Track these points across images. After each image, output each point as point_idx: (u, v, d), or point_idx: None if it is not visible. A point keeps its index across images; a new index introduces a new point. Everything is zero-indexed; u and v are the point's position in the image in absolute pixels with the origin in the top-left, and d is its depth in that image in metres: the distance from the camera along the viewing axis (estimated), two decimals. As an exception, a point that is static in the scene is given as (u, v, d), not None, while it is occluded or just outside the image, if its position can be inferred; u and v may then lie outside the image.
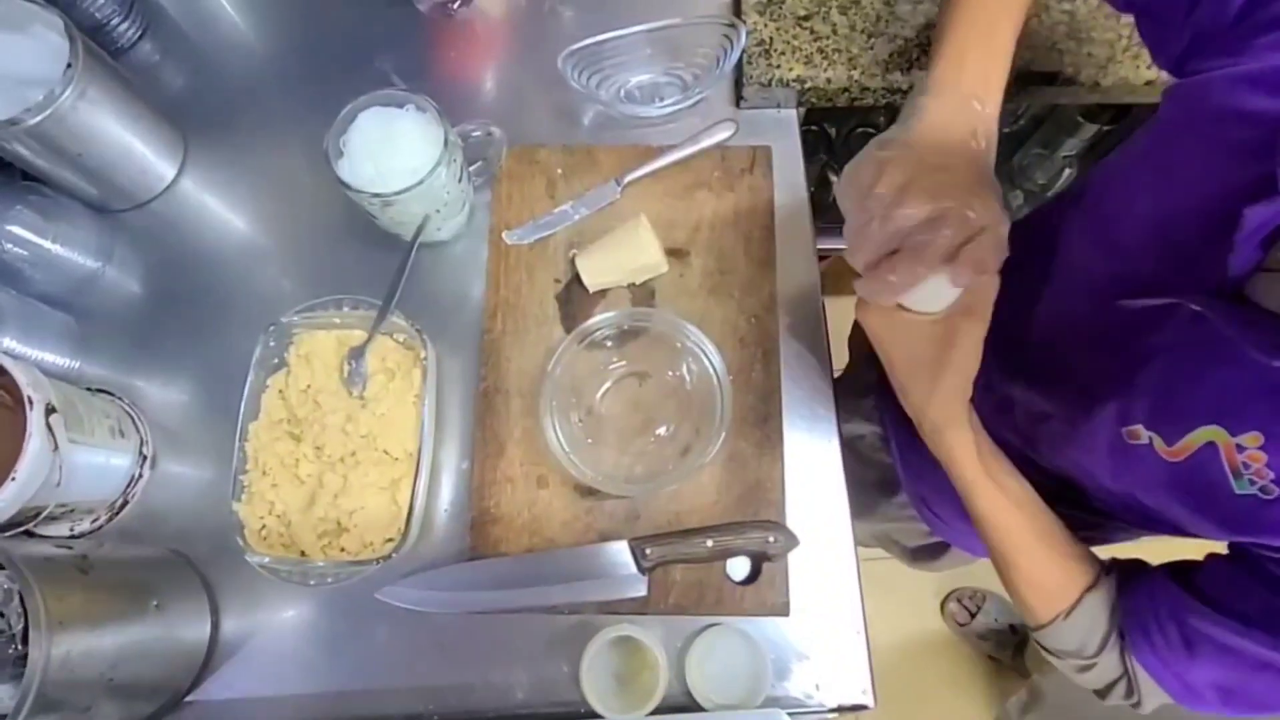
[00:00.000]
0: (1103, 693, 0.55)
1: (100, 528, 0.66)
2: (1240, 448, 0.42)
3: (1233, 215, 0.39)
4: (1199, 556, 0.52)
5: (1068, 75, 0.74)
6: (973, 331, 0.51)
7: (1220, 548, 0.50)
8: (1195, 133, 0.46)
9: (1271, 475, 0.41)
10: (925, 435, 0.56)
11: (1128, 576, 0.55)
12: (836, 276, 0.97)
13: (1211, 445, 0.43)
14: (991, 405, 0.71)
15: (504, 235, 0.73)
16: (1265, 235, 0.40)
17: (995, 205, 0.46)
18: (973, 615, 1.60)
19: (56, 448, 0.57)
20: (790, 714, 0.61)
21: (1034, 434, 0.63)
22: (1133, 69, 0.74)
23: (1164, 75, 0.74)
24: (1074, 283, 0.57)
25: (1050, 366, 0.60)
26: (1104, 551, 0.78)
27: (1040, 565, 0.55)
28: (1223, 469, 0.43)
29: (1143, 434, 0.47)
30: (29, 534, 0.62)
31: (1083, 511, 0.69)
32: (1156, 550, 0.58)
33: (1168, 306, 0.44)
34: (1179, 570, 0.52)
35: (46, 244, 0.70)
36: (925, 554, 1.03)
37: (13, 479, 0.54)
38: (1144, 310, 0.47)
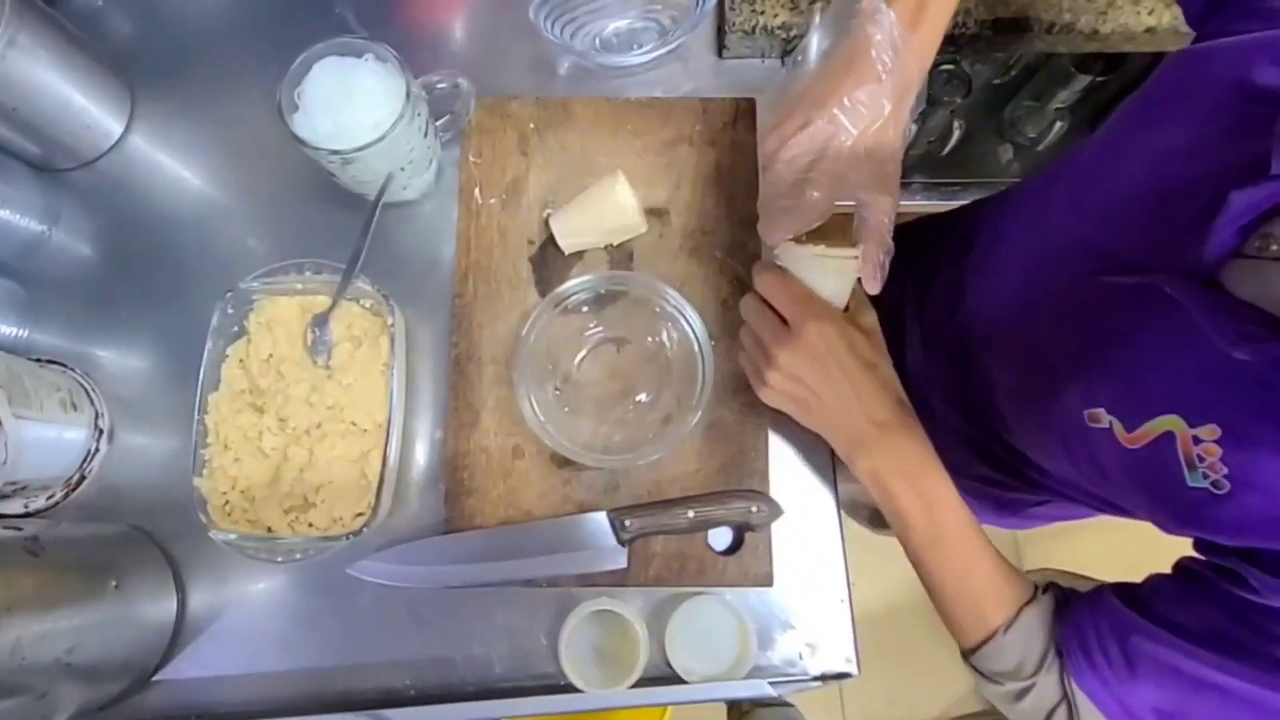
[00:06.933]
0: None
1: (56, 504, 0.63)
2: (1197, 439, 0.40)
3: (1221, 198, 0.37)
4: (1154, 540, 0.50)
5: (1065, 22, 0.71)
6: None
7: (1169, 555, 0.49)
8: (1192, 107, 0.44)
9: (1225, 470, 0.39)
10: (881, 431, 0.54)
11: (1067, 597, 0.53)
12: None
13: (1169, 435, 0.42)
14: (958, 376, 0.69)
15: None
16: (1246, 222, 0.38)
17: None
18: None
19: (0, 425, 0.53)
20: (773, 683, 0.61)
21: (999, 405, 0.62)
22: (1133, 14, 0.70)
23: (1163, 22, 0.72)
24: (1054, 255, 0.55)
25: (1019, 342, 0.58)
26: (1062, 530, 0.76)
27: (981, 578, 0.53)
28: (1178, 460, 0.42)
29: (1104, 418, 0.46)
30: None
31: (1038, 491, 0.68)
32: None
33: (1141, 287, 0.43)
34: (1124, 591, 0.51)
35: (-16, 206, 0.66)
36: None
37: (-47, 459, 0.51)
38: (1119, 290, 0.45)
